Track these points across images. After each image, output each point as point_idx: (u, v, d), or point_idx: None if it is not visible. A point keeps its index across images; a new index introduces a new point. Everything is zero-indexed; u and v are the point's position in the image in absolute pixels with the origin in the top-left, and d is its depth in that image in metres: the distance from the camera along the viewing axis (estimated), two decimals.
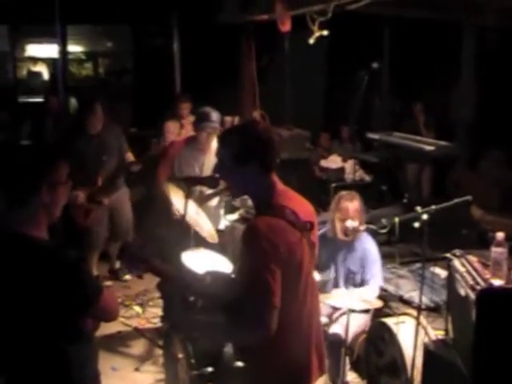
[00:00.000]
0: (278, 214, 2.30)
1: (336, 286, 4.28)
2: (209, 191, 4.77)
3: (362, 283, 4.25)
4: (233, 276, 2.67)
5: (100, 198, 5.71)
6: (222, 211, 5.26)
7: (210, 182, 3.63)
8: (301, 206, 2.44)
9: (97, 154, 5.67)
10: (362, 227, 4.13)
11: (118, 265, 6.37)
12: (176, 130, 6.85)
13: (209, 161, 4.95)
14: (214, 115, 4.89)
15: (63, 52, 9.77)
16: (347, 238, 4.23)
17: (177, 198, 4.32)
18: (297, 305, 2.36)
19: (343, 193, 4.34)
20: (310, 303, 2.45)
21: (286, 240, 2.27)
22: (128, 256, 2.61)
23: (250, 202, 4.69)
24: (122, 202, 6.04)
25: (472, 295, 2.84)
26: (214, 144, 4.94)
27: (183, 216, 3.80)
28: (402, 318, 3.90)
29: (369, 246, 4.30)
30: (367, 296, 3.97)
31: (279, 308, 2.22)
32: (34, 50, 12.65)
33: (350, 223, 4.14)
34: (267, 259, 2.21)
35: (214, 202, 5.02)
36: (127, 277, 6.27)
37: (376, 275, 4.25)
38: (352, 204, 4.19)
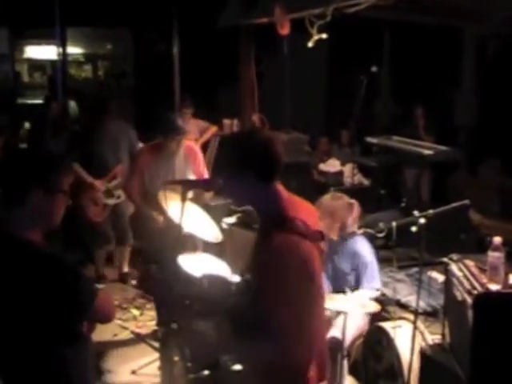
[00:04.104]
0: (292, 229, 2.23)
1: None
2: (190, 195, 4.74)
3: (357, 285, 4.21)
4: (251, 294, 2.56)
5: (118, 192, 5.81)
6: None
7: (205, 185, 3.62)
8: (308, 214, 2.38)
9: (111, 150, 5.85)
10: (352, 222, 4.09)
11: (126, 269, 6.34)
12: None
13: (179, 163, 4.89)
14: (179, 121, 4.84)
15: (63, 54, 9.77)
16: (338, 238, 4.16)
17: (173, 204, 4.30)
18: (309, 315, 2.31)
19: (324, 196, 4.29)
20: (320, 312, 2.43)
21: (309, 257, 2.24)
22: (150, 285, 2.62)
23: (247, 206, 4.67)
24: (123, 203, 6.07)
25: (469, 300, 2.84)
26: (182, 146, 4.91)
27: (180, 222, 3.78)
28: (399, 322, 3.88)
29: (361, 248, 4.20)
30: (362, 298, 3.94)
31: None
32: (33, 51, 12.66)
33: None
34: (300, 283, 2.19)
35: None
36: (133, 282, 6.24)
37: (370, 278, 4.17)
38: (334, 202, 4.16)
